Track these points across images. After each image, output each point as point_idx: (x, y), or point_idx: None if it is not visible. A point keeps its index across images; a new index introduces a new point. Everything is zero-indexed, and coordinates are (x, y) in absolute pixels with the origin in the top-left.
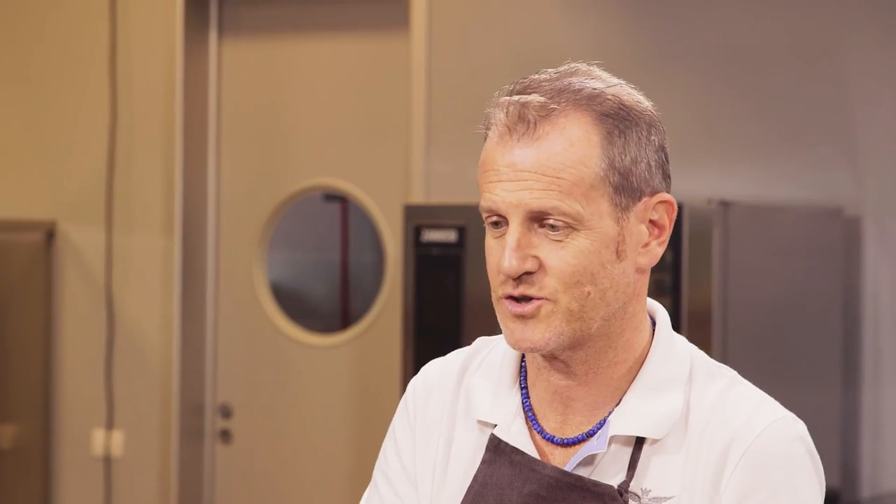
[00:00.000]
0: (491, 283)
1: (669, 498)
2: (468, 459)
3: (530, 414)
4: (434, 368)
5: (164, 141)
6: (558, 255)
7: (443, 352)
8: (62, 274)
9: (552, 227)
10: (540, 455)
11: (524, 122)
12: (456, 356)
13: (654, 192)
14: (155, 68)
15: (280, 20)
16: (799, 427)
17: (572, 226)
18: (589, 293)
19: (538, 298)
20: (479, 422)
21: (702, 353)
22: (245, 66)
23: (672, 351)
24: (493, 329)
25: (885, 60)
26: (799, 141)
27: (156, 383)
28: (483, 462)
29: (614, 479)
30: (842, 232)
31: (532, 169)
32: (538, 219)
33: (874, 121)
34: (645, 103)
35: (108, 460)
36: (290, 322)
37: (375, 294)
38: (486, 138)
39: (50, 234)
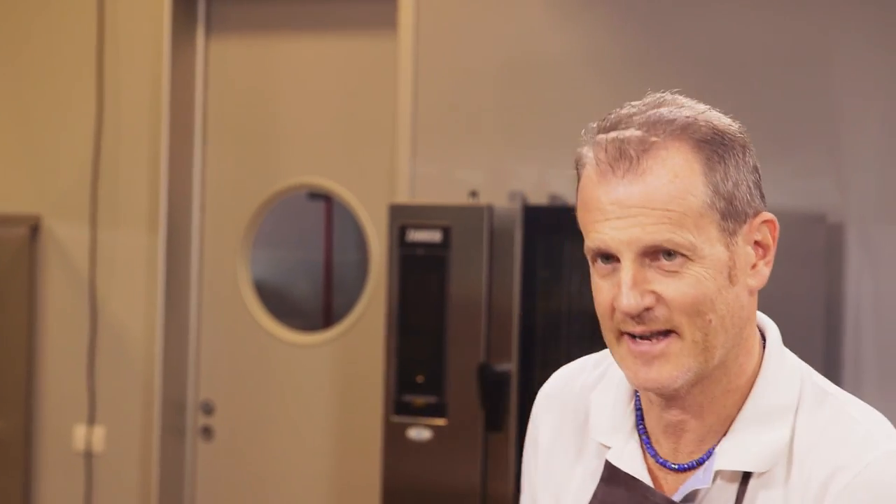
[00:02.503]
0: (602, 321)
1: None
2: (587, 475)
3: (645, 437)
4: (556, 383)
5: (149, 138)
6: (676, 287)
7: (426, 352)
8: (46, 269)
9: (667, 256)
10: (652, 478)
11: (626, 159)
12: (581, 366)
13: (756, 213)
14: (142, 65)
15: (268, 18)
16: None
17: (687, 256)
18: (711, 321)
19: (664, 333)
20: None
21: (811, 371)
22: (232, 65)
23: (781, 374)
24: (475, 329)
25: (870, 68)
26: (783, 147)
27: (138, 379)
28: (602, 480)
29: None
30: (825, 238)
31: (640, 204)
32: (650, 253)
33: (859, 128)
34: (734, 126)
35: (89, 456)
36: (274, 320)
37: (359, 293)
38: (579, 177)
39: (34, 228)
